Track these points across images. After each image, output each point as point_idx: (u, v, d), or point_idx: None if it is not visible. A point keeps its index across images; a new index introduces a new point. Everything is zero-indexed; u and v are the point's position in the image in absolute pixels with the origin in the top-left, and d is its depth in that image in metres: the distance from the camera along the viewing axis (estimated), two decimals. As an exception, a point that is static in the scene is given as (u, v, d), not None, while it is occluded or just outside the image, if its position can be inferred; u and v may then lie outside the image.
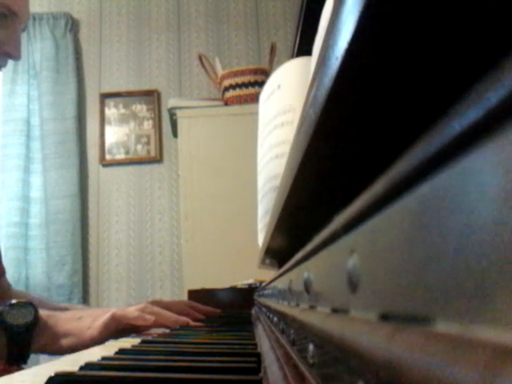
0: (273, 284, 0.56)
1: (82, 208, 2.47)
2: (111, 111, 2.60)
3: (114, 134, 2.57)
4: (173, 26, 2.68)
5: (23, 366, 0.74)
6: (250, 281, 1.43)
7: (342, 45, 0.15)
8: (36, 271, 2.39)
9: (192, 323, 0.88)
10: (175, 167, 2.45)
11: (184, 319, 0.88)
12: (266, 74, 1.98)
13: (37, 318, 0.73)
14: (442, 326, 0.09)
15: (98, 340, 0.76)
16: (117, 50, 2.66)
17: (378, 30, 0.13)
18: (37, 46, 2.55)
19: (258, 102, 0.73)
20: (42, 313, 0.75)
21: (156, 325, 0.81)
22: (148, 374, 0.37)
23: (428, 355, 0.09)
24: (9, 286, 1.06)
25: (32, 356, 0.74)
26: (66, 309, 1.02)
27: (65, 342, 0.74)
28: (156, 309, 0.84)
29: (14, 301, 0.73)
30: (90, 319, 0.77)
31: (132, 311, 0.79)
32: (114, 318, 0.77)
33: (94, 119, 2.60)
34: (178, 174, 2.04)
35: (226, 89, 2.02)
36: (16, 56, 0.90)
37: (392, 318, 0.12)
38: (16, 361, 0.72)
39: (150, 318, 0.77)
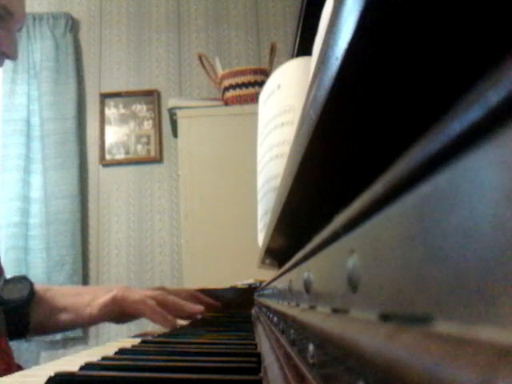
0: (273, 284, 0.56)
1: (81, 208, 2.47)
2: (111, 111, 2.60)
3: (114, 134, 2.57)
4: (173, 26, 2.68)
5: (25, 341, 0.73)
6: (250, 281, 1.43)
7: (342, 45, 0.15)
8: (36, 271, 2.39)
9: (195, 310, 0.86)
10: (175, 167, 2.45)
11: (188, 307, 0.85)
12: (266, 74, 1.98)
13: (33, 292, 0.72)
14: (442, 326, 0.09)
15: (97, 319, 0.74)
16: (117, 50, 2.66)
17: (378, 30, 0.13)
18: (37, 46, 2.56)
19: (258, 101, 0.73)
20: (39, 287, 0.74)
21: (156, 311, 0.78)
22: (148, 374, 0.37)
23: (428, 355, 0.09)
24: None
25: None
26: None
27: (63, 317, 0.73)
28: (160, 296, 0.82)
29: (9, 276, 0.72)
30: (90, 296, 0.75)
31: (134, 294, 0.77)
32: (114, 299, 0.75)
33: (94, 119, 2.60)
34: (178, 174, 2.04)
35: (226, 89, 2.02)
36: (12, 56, 0.91)
37: (392, 318, 0.12)
38: (16, 337, 0.71)
39: (151, 303, 0.75)
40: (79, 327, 0.72)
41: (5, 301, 0.70)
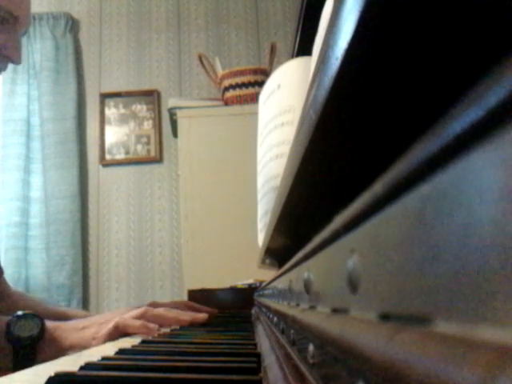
0: (273, 284, 0.56)
1: (82, 208, 2.47)
2: (111, 111, 2.60)
3: (114, 134, 2.57)
4: (173, 26, 2.68)
5: None
6: (250, 281, 1.43)
7: (342, 45, 0.15)
8: (36, 271, 2.39)
9: (194, 321, 0.88)
10: (175, 167, 2.45)
11: (185, 318, 0.88)
12: (266, 74, 1.98)
13: (43, 331, 0.73)
14: (442, 326, 0.09)
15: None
16: (117, 50, 2.66)
17: (378, 30, 0.13)
18: (37, 46, 2.55)
19: (258, 101, 0.73)
20: (48, 324, 0.75)
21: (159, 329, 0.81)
22: (148, 373, 0.37)
23: (428, 355, 0.09)
24: (7, 286, 1.07)
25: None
26: (64, 314, 1.02)
27: (70, 354, 0.74)
28: (157, 311, 0.84)
29: (20, 312, 0.73)
30: (94, 329, 0.77)
31: (135, 320, 0.78)
32: (117, 328, 0.77)
33: (94, 119, 2.60)
34: (178, 174, 2.04)
35: (226, 89, 2.02)
36: (16, 60, 0.91)
37: (392, 318, 0.12)
38: None
39: (154, 327, 0.77)
40: None
41: (15, 338, 0.71)
